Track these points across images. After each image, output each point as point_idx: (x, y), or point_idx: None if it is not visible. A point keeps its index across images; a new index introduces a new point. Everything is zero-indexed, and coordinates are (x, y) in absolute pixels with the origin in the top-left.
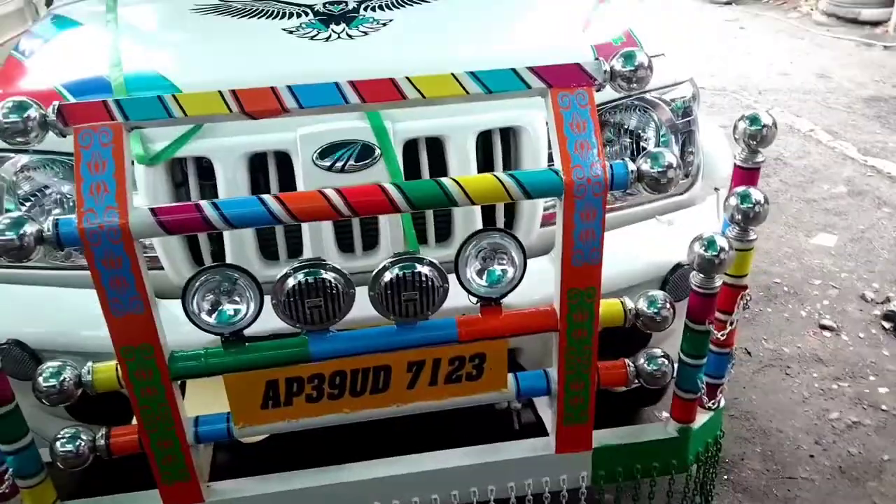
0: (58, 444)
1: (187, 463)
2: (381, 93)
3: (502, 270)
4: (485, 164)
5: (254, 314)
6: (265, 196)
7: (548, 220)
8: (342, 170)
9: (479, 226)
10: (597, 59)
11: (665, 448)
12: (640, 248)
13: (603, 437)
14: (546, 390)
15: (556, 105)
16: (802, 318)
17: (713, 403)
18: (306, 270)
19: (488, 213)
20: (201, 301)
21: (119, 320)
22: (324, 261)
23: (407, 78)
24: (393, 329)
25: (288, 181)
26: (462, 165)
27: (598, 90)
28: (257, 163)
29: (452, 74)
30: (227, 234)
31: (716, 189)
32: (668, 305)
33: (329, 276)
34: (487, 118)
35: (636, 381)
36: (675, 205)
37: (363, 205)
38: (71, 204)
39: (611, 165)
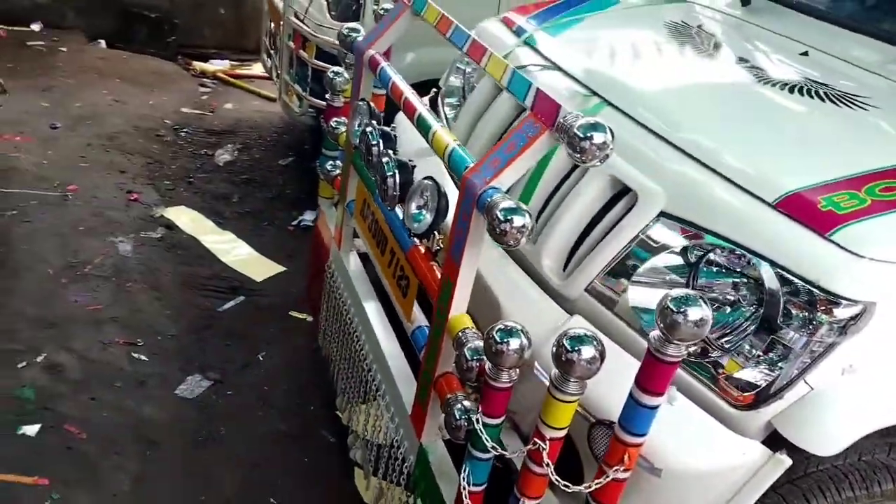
0: None
1: None
2: None
3: (425, 215)
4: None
5: None
6: None
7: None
8: None
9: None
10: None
11: None
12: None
13: (434, 448)
14: (418, 351)
15: (526, 124)
16: None
17: None
18: None
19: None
20: None
21: None
22: None
23: None
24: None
25: None
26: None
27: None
28: None
29: None
30: None
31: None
32: (476, 364)
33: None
34: None
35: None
36: None
37: None
38: None
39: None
